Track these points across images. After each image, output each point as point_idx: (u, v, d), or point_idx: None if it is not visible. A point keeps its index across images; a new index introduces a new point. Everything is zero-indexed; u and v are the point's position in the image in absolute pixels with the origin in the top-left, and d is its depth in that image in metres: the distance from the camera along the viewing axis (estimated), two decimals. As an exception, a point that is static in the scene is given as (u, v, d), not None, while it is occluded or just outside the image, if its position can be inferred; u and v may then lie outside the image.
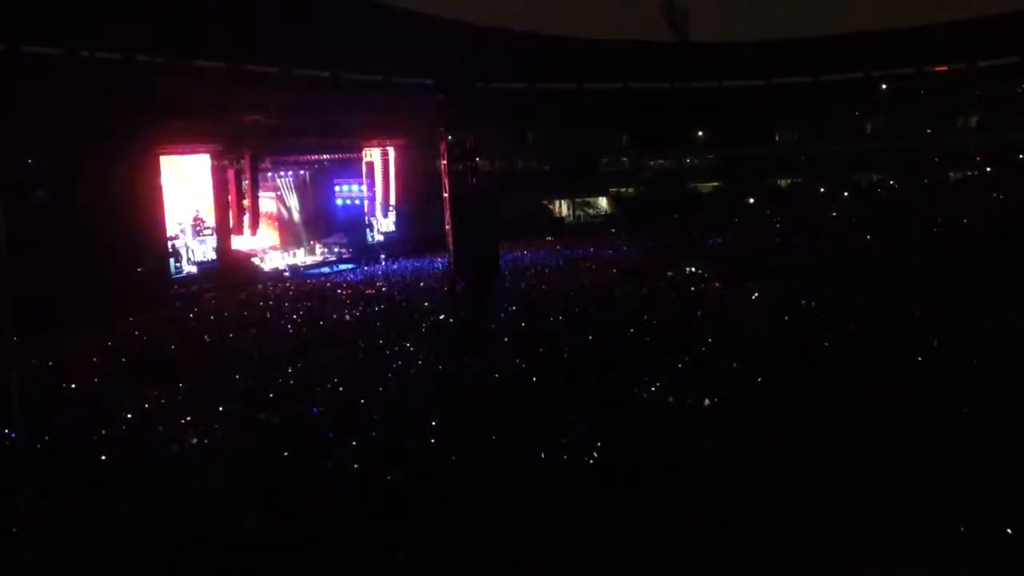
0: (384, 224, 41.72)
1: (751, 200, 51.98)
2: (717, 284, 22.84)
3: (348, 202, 41.03)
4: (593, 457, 9.90)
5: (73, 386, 15.47)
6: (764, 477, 8.96)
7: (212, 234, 33.19)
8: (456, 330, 19.28)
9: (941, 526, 7.63)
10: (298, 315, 22.85)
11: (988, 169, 51.46)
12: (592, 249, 35.20)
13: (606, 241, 39.15)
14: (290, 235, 39.03)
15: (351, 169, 40.91)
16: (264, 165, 35.96)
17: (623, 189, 57.52)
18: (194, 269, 31.97)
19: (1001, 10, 52.32)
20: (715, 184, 57.29)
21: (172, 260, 31.18)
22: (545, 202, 53.88)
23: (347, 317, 21.87)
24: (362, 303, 24.27)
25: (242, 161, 33.88)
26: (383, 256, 38.24)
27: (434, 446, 10.77)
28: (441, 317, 20.58)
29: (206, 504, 9.32)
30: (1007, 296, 17.00)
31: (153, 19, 34.22)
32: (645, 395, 12.25)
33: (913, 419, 10.37)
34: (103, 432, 12.28)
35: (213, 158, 33.33)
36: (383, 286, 28.14)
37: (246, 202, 34.14)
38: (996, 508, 7.84)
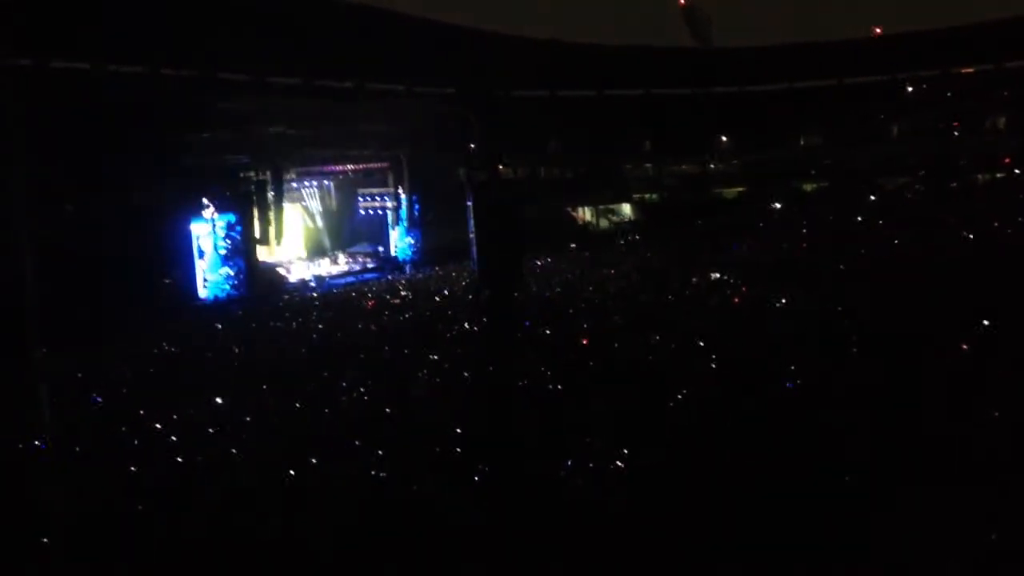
0: (408, 234, 41.80)
1: (776, 204, 51.62)
2: (743, 289, 22.70)
3: (372, 212, 41.16)
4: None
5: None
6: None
7: (239, 245, 33.32)
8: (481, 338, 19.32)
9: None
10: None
11: (1016, 171, 50.77)
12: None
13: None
14: (314, 245, 39.25)
15: (375, 179, 41.05)
16: (288, 176, 36.18)
17: (647, 195, 57.32)
18: (222, 281, 32.09)
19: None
20: (739, 189, 56.96)
21: (199, 273, 31.34)
22: (569, 209, 53.80)
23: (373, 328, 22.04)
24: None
25: (266, 172, 34.12)
26: (407, 266, 38.37)
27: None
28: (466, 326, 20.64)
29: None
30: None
31: (177, 32, 34.55)
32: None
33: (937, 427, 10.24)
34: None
35: (238, 169, 33.53)
36: (408, 295, 28.27)
37: (271, 213, 34.34)
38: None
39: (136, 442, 12.78)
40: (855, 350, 14.52)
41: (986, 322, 15.11)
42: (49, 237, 24.37)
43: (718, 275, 25.80)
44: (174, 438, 12.78)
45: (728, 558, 7.69)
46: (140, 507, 9.94)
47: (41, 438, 11.95)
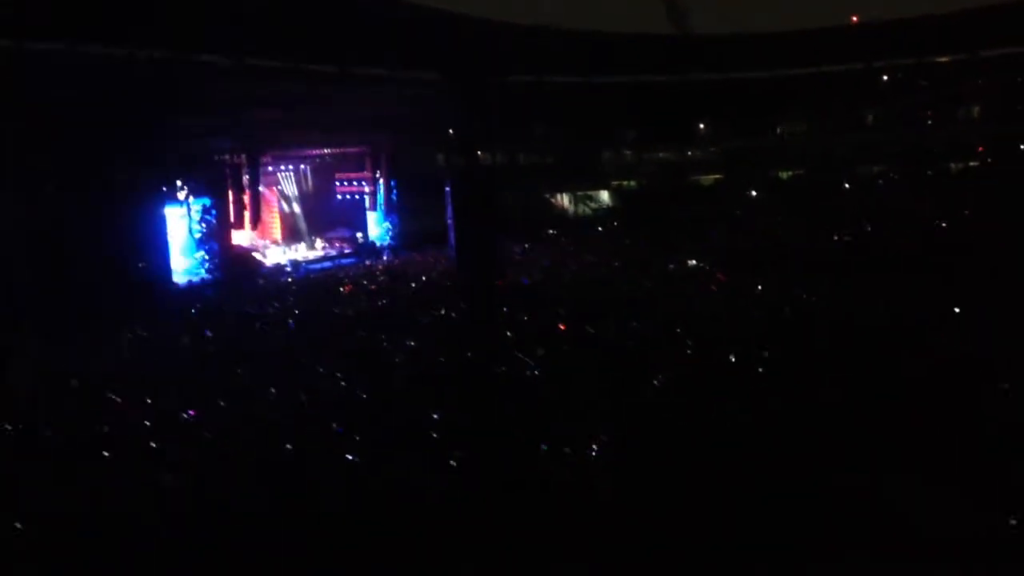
0: (386, 219, 41.56)
1: (753, 192, 51.83)
2: (720, 276, 22.82)
3: (349, 197, 40.90)
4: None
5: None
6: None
7: (214, 229, 32.97)
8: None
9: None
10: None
11: (990, 160, 51.24)
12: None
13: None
14: (291, 230, 38.98)
15: (353, 163, 40.75)
16: (265, 159, 35.88)
17: (625, 182, 57.27)
18: (196, 265, 31.77)
19: (1003, 0, 52.10)
20: (717, 176, 57.07)
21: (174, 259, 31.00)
22: (547, 196, 53.71)
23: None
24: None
25: (242, 155, 33.81)
26: (385, 251, 38.17)
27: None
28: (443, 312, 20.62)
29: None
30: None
31: (151, 13, 34.04)
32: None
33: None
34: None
35: (213, 153, 33.19)
36: (385, 280, 28.22)
37: (246, 197, 34.07)
38: None
39: (107, 428, 12.67)
40: (828, 336, 14.66)
41: (957, 309, 15.30)
42: (20, 222, 24.14)
43: (695, 262, 25.94)
44: (148, 423, 12.68)
45: (718, 551, 7.74)
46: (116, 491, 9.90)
47: (14, 422, 11.86)
